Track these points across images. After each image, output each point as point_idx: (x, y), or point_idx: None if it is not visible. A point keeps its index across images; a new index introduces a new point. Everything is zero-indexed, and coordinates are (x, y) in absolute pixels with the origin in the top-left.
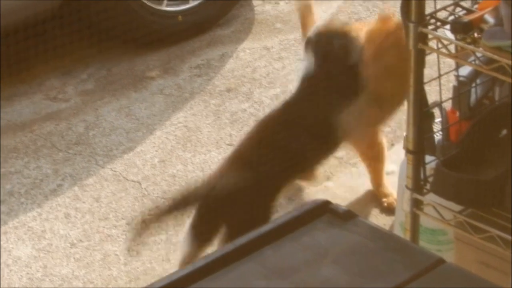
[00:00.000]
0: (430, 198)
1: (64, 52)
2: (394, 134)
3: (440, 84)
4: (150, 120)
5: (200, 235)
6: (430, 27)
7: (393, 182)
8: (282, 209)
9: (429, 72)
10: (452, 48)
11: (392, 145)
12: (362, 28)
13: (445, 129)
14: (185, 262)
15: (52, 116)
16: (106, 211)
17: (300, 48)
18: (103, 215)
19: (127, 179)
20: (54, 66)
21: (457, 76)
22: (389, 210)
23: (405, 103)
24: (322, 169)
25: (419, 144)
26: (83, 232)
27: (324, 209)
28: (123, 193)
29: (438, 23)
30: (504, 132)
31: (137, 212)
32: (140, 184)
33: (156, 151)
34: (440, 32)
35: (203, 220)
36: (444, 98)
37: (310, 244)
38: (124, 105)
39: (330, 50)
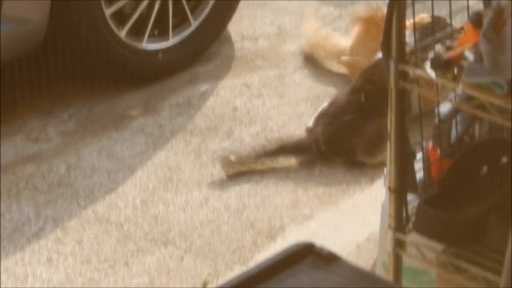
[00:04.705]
0: (412, 236)
1: (45, 93)
2: (374, 171)
3: (421, 122)
4: (131, 160)
5: None
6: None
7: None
8: (265, 250)
9: None
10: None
11: (372, 180)
12: None
13: (426, 166)
14: None
15: (34, 158)
16: (88, 254)
17: (279, 85)
18: (86, 258)
19: (109, 221)
20: (35, 107)
21: (438, 114)
22: None
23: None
24: (303, 208)
25: (401, 182)
26: (65, 276)
27: (307, 251)
28: (105, 235)
29: (419, 61)
30: (485, 169)
31: (119, 254)
32: (122, 225)
33: (138, 191)
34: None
35: None
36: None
37: (295, 287)
38: (105, 145)
39: None
